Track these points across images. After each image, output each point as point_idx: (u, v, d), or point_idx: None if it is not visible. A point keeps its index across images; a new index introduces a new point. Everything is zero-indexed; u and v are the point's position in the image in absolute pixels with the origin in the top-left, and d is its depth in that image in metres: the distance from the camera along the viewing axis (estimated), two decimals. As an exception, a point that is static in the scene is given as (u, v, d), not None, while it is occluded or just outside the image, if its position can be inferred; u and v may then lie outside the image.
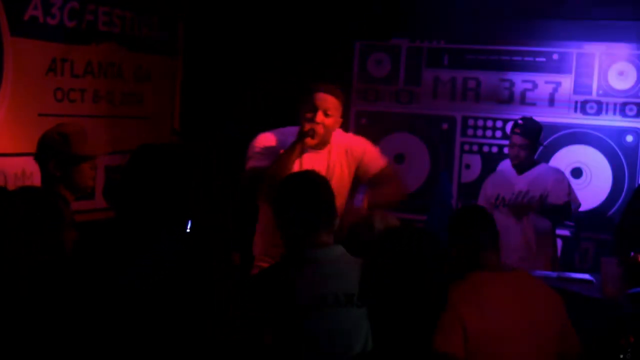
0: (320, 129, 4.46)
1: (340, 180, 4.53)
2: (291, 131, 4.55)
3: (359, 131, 6.80)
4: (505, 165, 6.07)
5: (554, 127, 6.26)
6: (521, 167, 5.75)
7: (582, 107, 6.36)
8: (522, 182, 5.71)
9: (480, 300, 3.50)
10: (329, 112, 4.48)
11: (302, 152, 4.48)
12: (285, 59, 6.52)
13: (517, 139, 5.69)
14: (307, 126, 4.44)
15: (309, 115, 4.46)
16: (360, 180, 4.67)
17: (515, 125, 5.74)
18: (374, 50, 6.82)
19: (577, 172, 6.35)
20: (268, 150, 4.50)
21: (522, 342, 3.47)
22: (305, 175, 3.52)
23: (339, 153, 4.63)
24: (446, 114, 6.69)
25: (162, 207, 2.88)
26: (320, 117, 4.45)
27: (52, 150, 3.76)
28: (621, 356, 3.92)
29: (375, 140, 6.77)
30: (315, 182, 3.33)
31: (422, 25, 6.68)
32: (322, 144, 4.57)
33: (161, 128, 6.40)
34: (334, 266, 3.17)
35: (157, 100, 6.32)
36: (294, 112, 4.66)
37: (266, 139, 4.57)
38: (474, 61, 6.59)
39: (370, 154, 4.69)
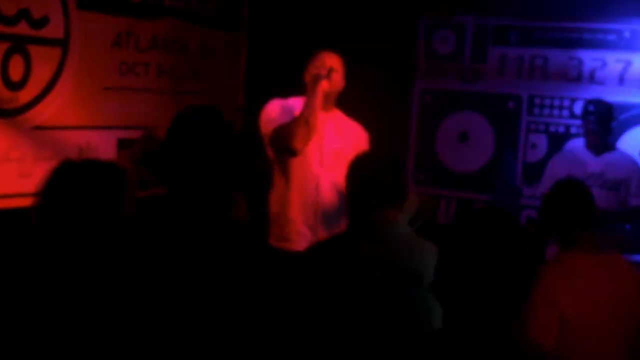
0: (329, 81, 4.72)
1: (343, 148, 4.73)
2: (296, 101, 4.82)
3: (423, 109, 6.76)
4: (577, 144, 5.94)
5: (624, 107, 6.10)
6: (597, 148, 5.65)
7: (653, 86, 6.20)
8: (597, 164, 5.60)
9: (575, 284, 3.42)
10: (335, 67, 4.77)
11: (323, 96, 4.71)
12: (350, 34, 6.46)
13: (593, 127, 5.58)
14: (320, 72, 4.71)
15: (315, 69, 4.74)
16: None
17: (587, 112, 5.63)
18: (439, 27, 6.73)
19: (647, 153, 6.21)
20: (284, 110, 4.76)
21: (613, 327, 3.40)
22: (377, 152, 3.51)
23: (342, 121, 4.90)
24: (512, 92, 6.58)
25: (208, 179, 2.80)
26: (327, 70, 4.72)
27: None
28: None
29: (439, 118, 6.76)
30: (387, 159, 3.31)
31: (488, 1, 6.57)
32: (329, 104, 4.82)
33: (225, 104, 6.41)
34: (398, 244, 3.14)
35: (221, 76, 6.33)
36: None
37: (278, 104, 4.84)
38: (541, 38, 6.46)
39: (365, 142, 4.89)
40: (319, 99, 4.65)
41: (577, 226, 3.61)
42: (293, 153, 4.65)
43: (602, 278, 3.49)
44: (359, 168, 3.27)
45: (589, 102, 5.72)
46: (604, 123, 5.59)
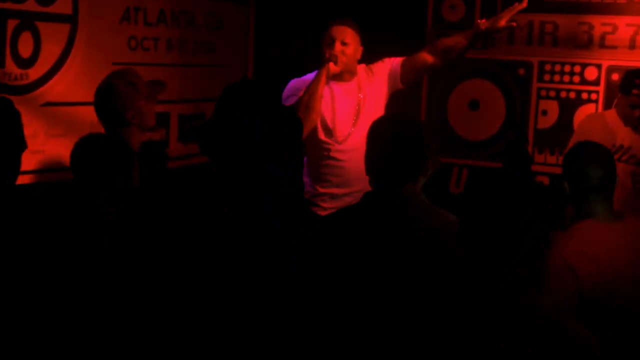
0: (341, 57, 4.83)
1: (375, 106, 4.92)
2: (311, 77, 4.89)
3: (434, 78, 6.73)
4: (608, 113, 5.80)
5: (635, 72, 6.05)
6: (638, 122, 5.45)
7: (664, 50, 6.15)
8: (626, 137, 5.44)
9: (593, 253, 3.37)
10: (346, 41, 4.85)
11: (328, 79, 4.83)
12: (359, 4, 6.43)
13: None
14: (327, 53, 4.83)
15: (327, 47, 4.84)
16: (395, 76, 5.02)
17: (635, 85, 5.38)
18: (448, -5, 6.70)
19: (658, 118, 6.16)
20: (297, 90, 4.87)
21: (636, 295, 3.35)
22: (399, 118, 3.38)
23: (366, 80, 4.99)
24: (522, 59, 6.55)
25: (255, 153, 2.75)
26: (338, 46, 4.83)
27: (129, 100, 4.18)
28: None
29: (449, 87, 6.74)
30: (412, 128, 3.22)
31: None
32: (349, 73, 4.94)
33: (234, 76, 6.40)
34: (415, 224, 3.09)
35: (230, 49, 6.32)
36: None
37: (297, 82, 4.94)
38: (551, 4, 6.41)
39: (390, 58, 5.04)
40: (322, 84, 4.74)
41: (592, 191, 3.55)
42: None
43: (621, 246, 3.43)
44: (376, 141, 3.18)
45: (632, 75, 5.53)
46: None
